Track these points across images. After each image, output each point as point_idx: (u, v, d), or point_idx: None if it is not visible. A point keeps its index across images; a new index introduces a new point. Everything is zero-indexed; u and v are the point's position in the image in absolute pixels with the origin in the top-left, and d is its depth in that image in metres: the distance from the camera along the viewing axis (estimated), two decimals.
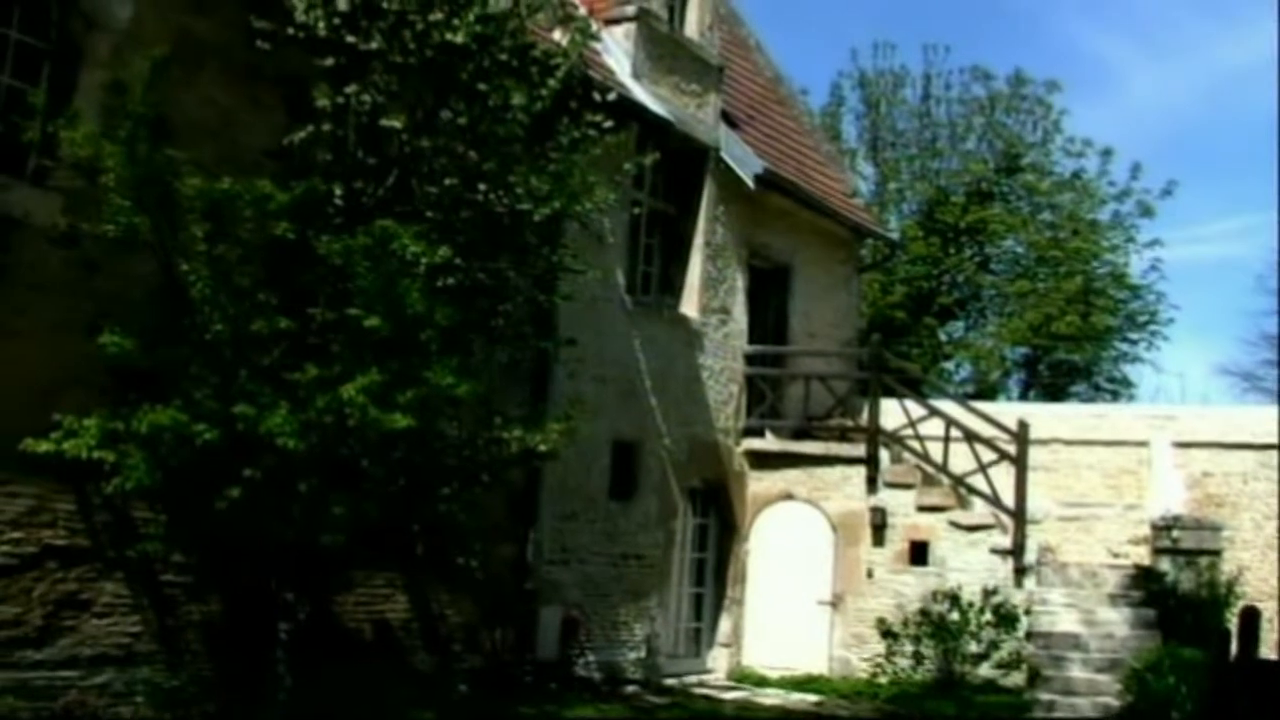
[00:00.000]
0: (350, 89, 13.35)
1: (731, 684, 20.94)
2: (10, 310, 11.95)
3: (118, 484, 11.73)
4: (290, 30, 13.11)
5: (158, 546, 13.01)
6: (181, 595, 13.48)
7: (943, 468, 21.22)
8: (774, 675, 21.02)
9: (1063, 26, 61.66)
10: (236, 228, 12.26)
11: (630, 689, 19.09)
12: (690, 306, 21.34)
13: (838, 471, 21.65)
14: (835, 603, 21.30)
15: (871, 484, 21.30)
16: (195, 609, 13.58)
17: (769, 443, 22.42)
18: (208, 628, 13.61)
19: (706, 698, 19.32)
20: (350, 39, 13.26)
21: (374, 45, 13.32)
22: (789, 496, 21.98)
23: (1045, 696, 18.32)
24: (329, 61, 13.39)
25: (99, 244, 12.05)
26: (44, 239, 12.16)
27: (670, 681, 20.02)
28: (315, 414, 11.68)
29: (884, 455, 21.65)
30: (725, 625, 21.88)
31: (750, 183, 21.96)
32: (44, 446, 11.45)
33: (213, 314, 11.92)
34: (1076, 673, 18.61)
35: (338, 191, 13.36)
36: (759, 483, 22.21)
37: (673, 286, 21.39)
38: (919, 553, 20.93)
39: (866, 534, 21.21)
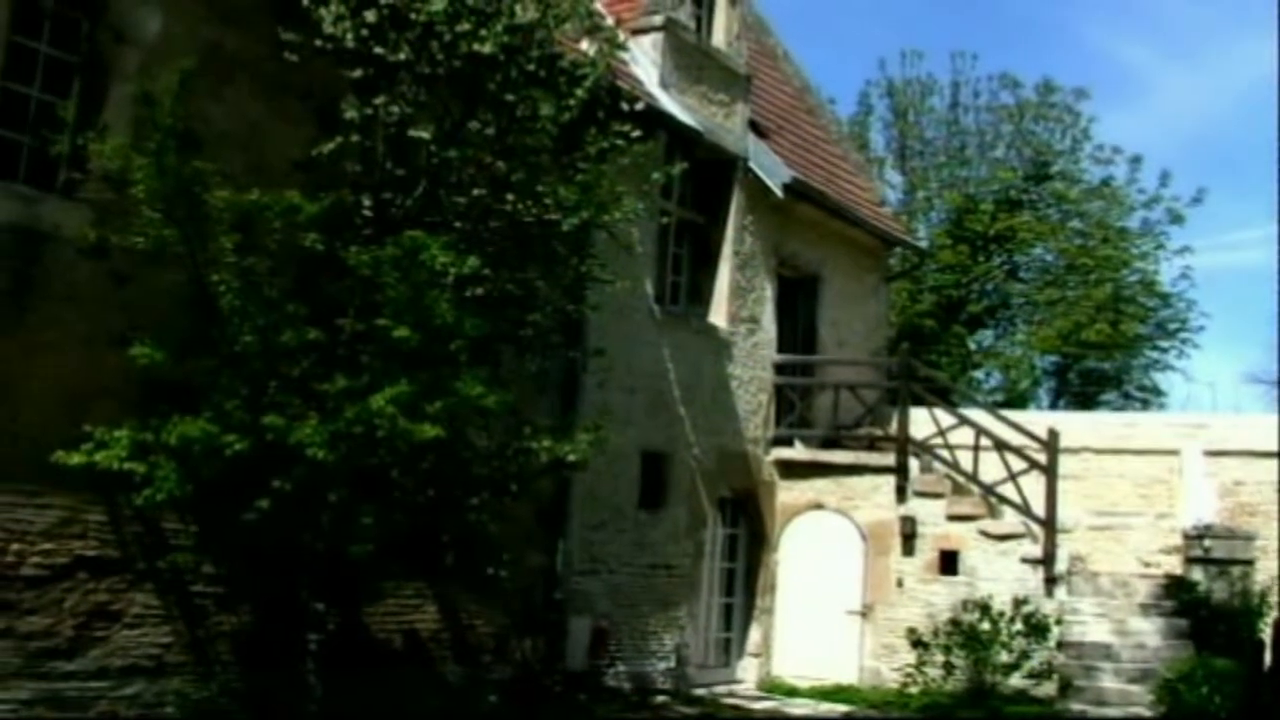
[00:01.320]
0: (378, 100, 13.37)
1: (761, 694, 20.89)
2: (41, 322, 12.00)
3: (148, 495, 11.75)
4: (318, 42, 13.14)
5: (188, 557, 13.05)
6: (212, 606, 13.50)
7: (973, 477, 21.14)
8: (804, 685, 20.96)
9: (1091, 34, 61.53)
10: (265, 239, 12.29)
11: (660, 699, 19.06)
12: (719, 316, 21.31)
13: (867, 481, 21.58)
14: (865, 612, 21.23)
15: (901, 493, 21.22)
16: (225, 620, 13.60)
17: (798, 452, 22.39)
18: (238, 638, 13.63)
19: (736, 708, 19.28)
20: (378, 50, 13.28)
21: (402, 56, 13.33)
22: (818, 506, 21.92)
23: (1077, 707, 18.25)
24: (357, 73, 13.41)
25: (128, 256, 12.09)
26: (74, 251, 12.20)
27: (700, 692, 19.99)
28: (344, 425, 11.69)
29: (913, 464, 21.57)
30: (755, 635, 21.83)
31: (779, 192, 21.94)
32: (75, 458, 11.48)
33: (242, 325, 11.94)
34: (1108, 683, 18.53)
35: (366, 202, 13.38)
36: (788, 492, 22.17)
37: (701, 296, 21.37)
38: (949, 562, 20.84)
39: (896, 543, 21.14)
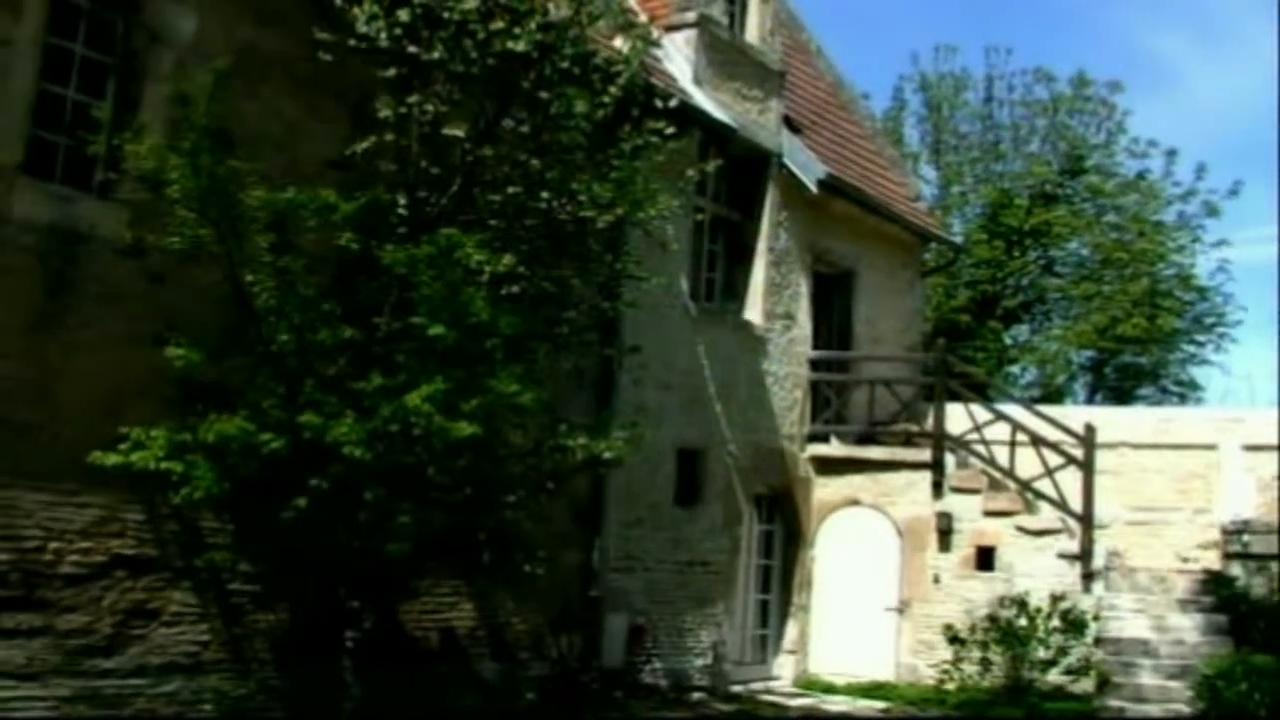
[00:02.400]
0: (412, 99, 13.38)
1: (798, 691, 20.87)
2: (78, 322, 12.05)
3: (185, 494, 11.79)
4: (352, 41, 13.16)
5: (225, 556, 13.10)
6: (249, 604, 13.54)
7: (1009, 472, 21.07)
8: (840, 682, 20.93)
9: (1125, 26, 61.24)
10: (301, 238, 12.32)
11: (696, 696, 19.05)
12: (754, 312, 21.29)
13: (903, 477, 21.53)
14: (902, 609, 21.19)
15: (937, 489, 21.18)
16: (262, 618, 13.64)
17: (834, 448, 22.35)
18: (275, 636, 13.67)
19: (773, 705, 19.27)
20: (412, 49, 13.29)
21: (436, 55, 13.34)
22: (854, 502, 21.89)
23: (1115, 703, 18.16)
24: (391, 72, 13.43)
25: (164, 256, 12.13)
26: (110, 251, 12.25)
27: (736, 689, 19.98)
28: (381, 423, 11.71)
29: (950, 460, 21.53)
30: (791, 632, 21.81)
31: (813, 188, 21.91)
32: (112, 458, 11.52)
33: (278, 324, 11.97)
34: (1147, 679, 18.43)
35: (401, 201, 13.40)
36: (824, 489, 22.13)
37: (736, 293, 21.35)
38: (985, 558, 20.79)
39: (933, 539, 21.09)
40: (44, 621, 11.79)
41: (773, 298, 21.60)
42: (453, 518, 12.80)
